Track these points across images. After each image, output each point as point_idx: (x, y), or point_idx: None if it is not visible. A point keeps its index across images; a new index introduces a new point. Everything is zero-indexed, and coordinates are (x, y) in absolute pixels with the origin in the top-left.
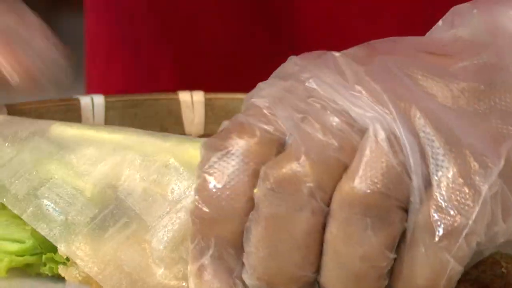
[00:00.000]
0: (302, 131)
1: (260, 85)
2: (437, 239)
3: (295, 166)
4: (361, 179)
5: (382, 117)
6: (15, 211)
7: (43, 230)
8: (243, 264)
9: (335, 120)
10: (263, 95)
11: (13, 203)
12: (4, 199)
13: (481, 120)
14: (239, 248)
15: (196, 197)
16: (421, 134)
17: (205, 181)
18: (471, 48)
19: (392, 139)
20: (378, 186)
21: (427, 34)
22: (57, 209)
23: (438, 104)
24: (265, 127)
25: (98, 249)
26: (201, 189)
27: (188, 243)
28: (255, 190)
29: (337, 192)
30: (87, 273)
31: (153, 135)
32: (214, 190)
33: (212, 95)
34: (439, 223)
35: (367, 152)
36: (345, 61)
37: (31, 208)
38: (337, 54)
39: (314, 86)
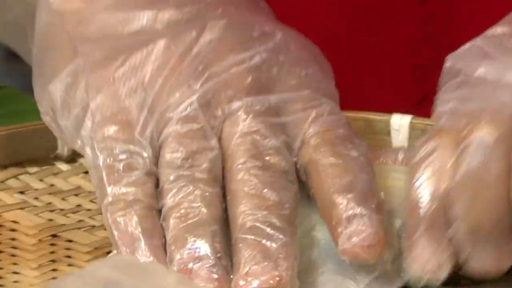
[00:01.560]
0: None
1: (439, 96)
2: None
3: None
4: None
5: None
6: None
7: None
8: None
9: None
10: (447, 99)
11: None
12: None
13: None
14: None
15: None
16: None
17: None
18: None
19: None
20: None
21: None
22: None
23: None
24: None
25: None
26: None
27: None
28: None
29: None
30: None
31: None
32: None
33: None
34: None
35: None
36: (488, 43)
37: None
38: (478, 40)
39: (482, 74)
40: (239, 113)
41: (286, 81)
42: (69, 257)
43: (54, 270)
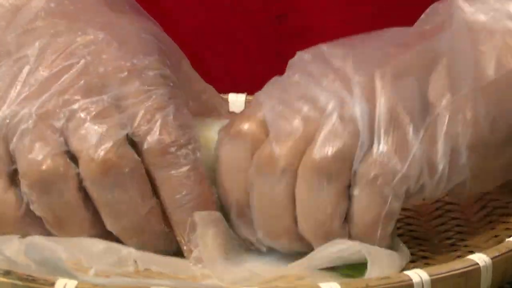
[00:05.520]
0: (277, 124)
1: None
2: (378, 180)
3: (271, 151)
4: (318, 150)
5: (341, 97)
6: None
7: None
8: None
9: (305, 108)
10: (265, 91)
11: None
12: None
13: (418, 93)
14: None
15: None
16: (376, 103)
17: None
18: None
19: (346, 113)
20: (329, 154)
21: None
22: None
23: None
24: (258, 114)
25: None
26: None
27: None
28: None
29: (302, 163)
30: None
31: None
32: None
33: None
34: (379, 169)
35: (324, 128)
36: (330, 52)
37: None
38: (324, 47)
39: (298, 79)
40: (77, 115)
41: (115, 77)
42: None
43: None
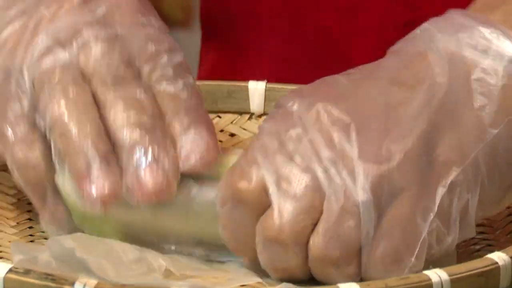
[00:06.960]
0: (281, 194)
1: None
2: (389, 267)
3: (278, 225)
4: (324, 242)
5: (345, 183)
6: None
7: None
8: None
9: (307, 180)
10: (261, 144)
11: None
12: None
13: (424, 169)
14: None
15: None
16: (382, 193)
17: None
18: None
19: (348, 202)
20: (335, 248)
21: (402, 42)
22: None
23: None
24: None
25: None
26: None
27: None
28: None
29: (310, 247)
30: None
31: None
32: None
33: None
34: (388, 264)
35: (328, 217)
36: (329, 114)
37: None
38: (320, 106)
39: (296, 137)
40: (91, 43)
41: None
42: None
43: (30, 227)
